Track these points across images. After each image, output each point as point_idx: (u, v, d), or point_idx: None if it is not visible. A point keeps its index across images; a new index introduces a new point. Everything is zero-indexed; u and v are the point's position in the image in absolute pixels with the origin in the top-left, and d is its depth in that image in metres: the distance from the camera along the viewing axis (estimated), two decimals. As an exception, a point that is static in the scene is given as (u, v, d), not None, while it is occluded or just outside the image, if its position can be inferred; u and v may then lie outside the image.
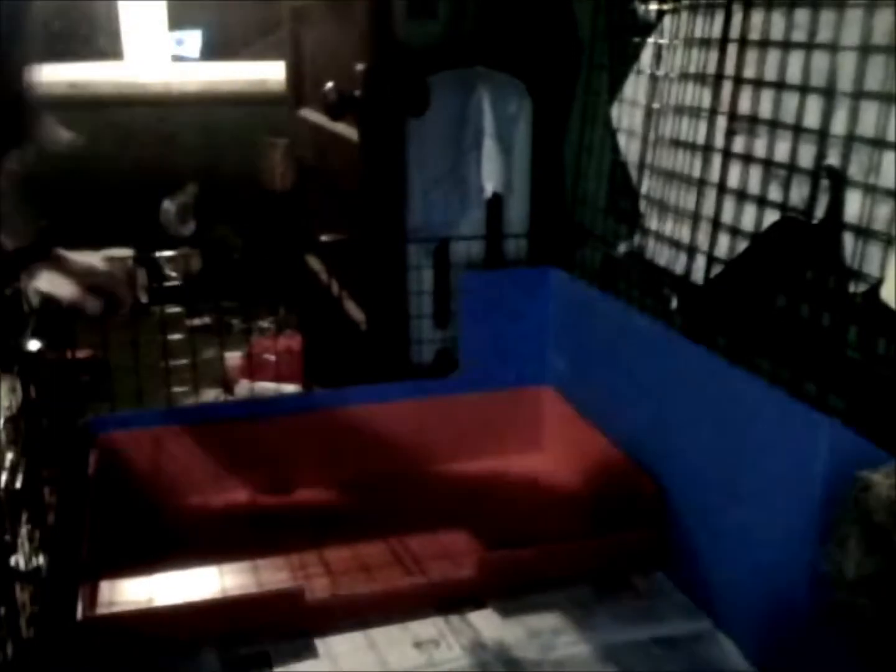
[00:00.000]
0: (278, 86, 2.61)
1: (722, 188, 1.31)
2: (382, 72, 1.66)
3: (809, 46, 1.14)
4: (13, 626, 0.93)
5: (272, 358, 2.43)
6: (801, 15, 1.15)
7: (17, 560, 1.01)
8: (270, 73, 3.13)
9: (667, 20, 1.45)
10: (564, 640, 1.17)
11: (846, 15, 1.08)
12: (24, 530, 1.07)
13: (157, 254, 2.90)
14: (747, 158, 1.26)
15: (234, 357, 2.55)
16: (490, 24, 1.70)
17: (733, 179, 1.29)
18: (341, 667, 1.12)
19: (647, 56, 1.51)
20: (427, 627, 1.19)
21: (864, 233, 1.06)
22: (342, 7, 1.83)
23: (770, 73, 1.21)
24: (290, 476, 1.55)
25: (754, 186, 1.25)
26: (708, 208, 1.35)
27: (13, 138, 1.10)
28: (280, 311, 2.97)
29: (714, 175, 1.33)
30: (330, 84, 1.74)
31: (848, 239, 1.08)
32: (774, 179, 1.20)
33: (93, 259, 1.35)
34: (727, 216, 1.30)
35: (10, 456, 1.04)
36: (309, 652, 1.15)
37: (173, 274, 3.06)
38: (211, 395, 2.39)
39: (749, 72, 1.25)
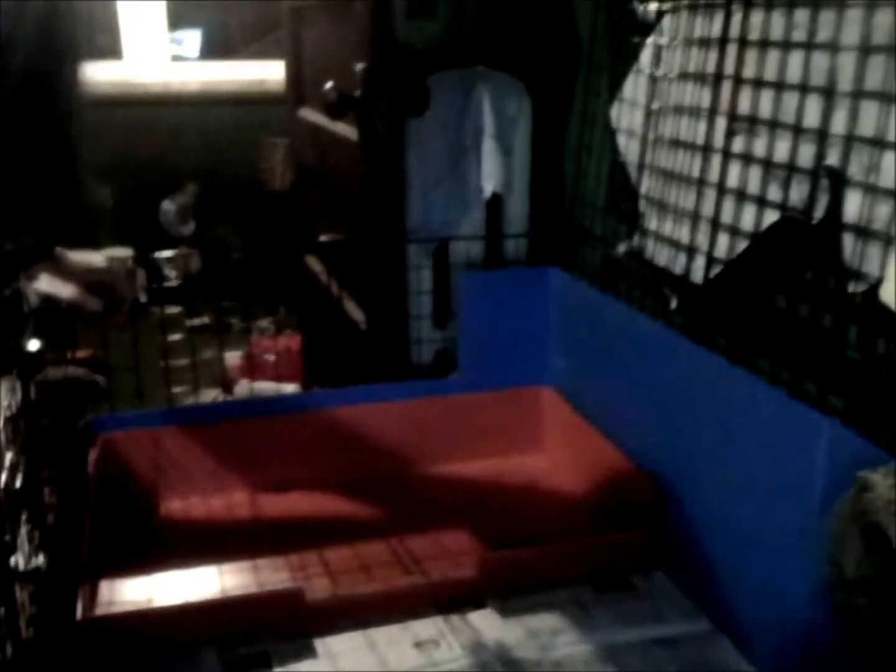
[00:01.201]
0: (278, 86, 2.61)
1: (721, 188, 1.31)
2: (382, 72, 1.66)
3: (809, 46, 1.14)
4: (13, 626, 0.93)
5: (272, 358, 2.43)
6: (801, 15, 1.15)
7: (17, 560, 1.01)
8: (270, 73, 3.13)
9: (666, 20, 1.45)
10: (564, 640, 1.17)
11: (846, 15, 1.08)
12: (24, 530, 1.07)
13: (157, 254, 2.90)
14: (747, 158, 1.26)
15: (234, 357, 2.55)
16: (490, 24, 1.70)
17: (733, 179, 1.29)
18: (341, 667, 1.12)
19: (646, 56, 1.51)
20: (427, 627, 1.19)
21: (863, 233, 1.06)
22: (342, 7, 1.83)
23: (770, 73, 1.21)
24: (290, 476, 1.55)
25: (754, 186, 1.24)
26: (707, 208, 1.35)
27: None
28: (280, 311, 2.97)
29: (714, 175, 1.33)
30: (330, 84, 1.74)
31: (847, 239, 1.08)
32: (774, 179, 1.20)
33: (92, 258, 1.35)
34: (727, 216, 1.30)
35: (9, 456, 1.04)
36: (309, 652, 1.15)
37: (173, 274, 3.06)
38: (211, 395, 2.39)
39: (749, 72, 1.25)
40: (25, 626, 0.99)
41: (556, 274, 1.65)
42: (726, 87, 1.30)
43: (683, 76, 1.40)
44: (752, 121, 1.24)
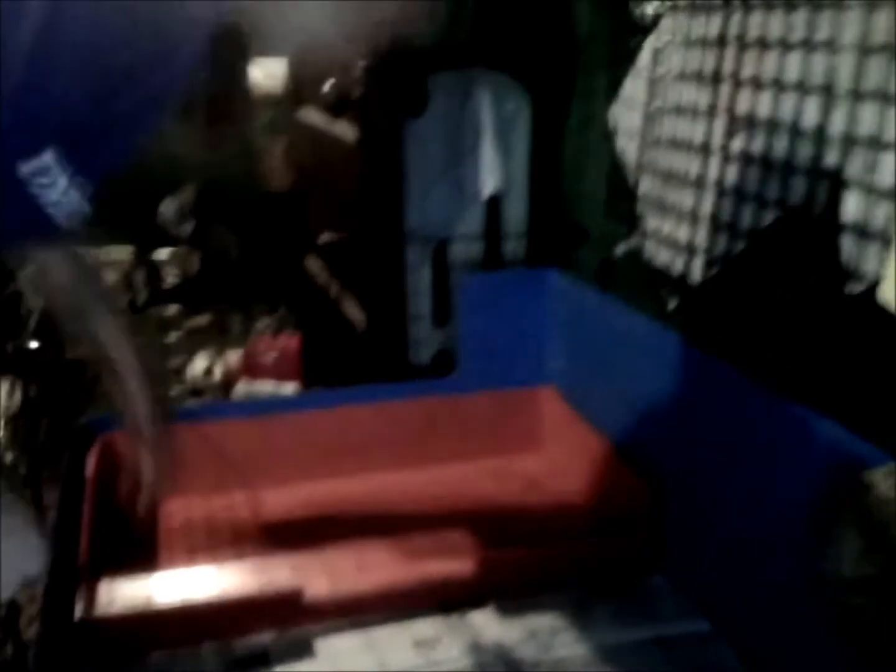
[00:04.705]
0: (278, 86, 2.61)
1: (720, 188, 1.32)
2: (382, 72, 1.66)
3: (808, 46, 1.14)
4: (13, 626, 0.93)
5: (271, 358, 2.43)
6: (800, 15, 1.15)
7: (17, 560, 1.01)
8: (270, 72, 3.13)
9: (665, 20, 1.45)
10: (563, 640, 1.17)
11: (845, 15, 1.08)
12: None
13: (156, 254, 2.90)
14: (745, 158, 1.26)
15: (233, 357, 2.55)
16: (489, 24, 1.70)
17: (731, 179, 1.29)
18: (341, 667, 1.12)
19: (645, 56, 1.51)
20: (427, 627, 1.19)
21: (861, 233, 1.06)
22: (341, 7, 1.83)
23: (768, 73, 1.21)
24: (289, 476, 1.55)
25: (752, 186, 1.25)
26: (706, 208, 1.35)
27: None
28: (280, 311, 2.97)
29: (712, 175, 1.33)
30: (330, 84, 1.75)
31: (846, 239, 1.08)
32: (772, 179, 1.20)
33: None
34: (725, 216, 1.31)
35: (10, 456, 1.05)
36: (308, 652, 1.15)
37: (172, 274, 3.06)
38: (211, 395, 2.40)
39: (747, 72, 1.25)
40: (26, 626, 0.99)
41: (554, 274, 1.65)
42: (725, 88, 1.30)
43: (682, 76, 1.41)
44: (751, 121, 1.25)
